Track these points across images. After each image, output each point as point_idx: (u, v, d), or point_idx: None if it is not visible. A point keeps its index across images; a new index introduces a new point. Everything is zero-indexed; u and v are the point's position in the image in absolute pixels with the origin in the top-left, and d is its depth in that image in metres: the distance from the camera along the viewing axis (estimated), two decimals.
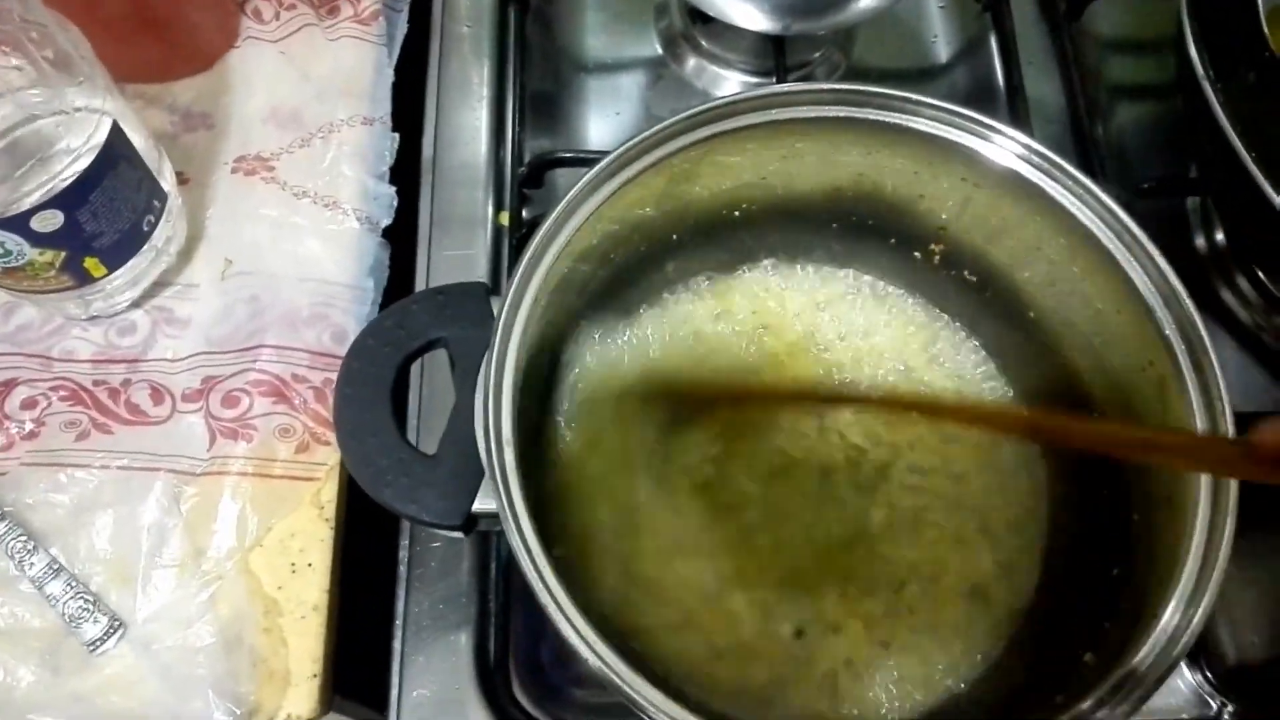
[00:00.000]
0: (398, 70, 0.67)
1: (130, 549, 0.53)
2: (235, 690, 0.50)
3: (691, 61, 0.71)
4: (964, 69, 0.72)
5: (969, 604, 0.51)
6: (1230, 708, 0.52)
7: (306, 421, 0.56)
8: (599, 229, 0.48)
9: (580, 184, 0.46)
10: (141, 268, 0.56)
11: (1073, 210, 0.46)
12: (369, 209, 0.62)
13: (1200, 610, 0.39)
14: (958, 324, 0.57)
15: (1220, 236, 0.64)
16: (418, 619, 0.54)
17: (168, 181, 0.57)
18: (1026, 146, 0.46)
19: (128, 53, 0.59)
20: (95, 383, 0.56)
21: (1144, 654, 0.40)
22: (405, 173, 0.64)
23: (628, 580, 0.51)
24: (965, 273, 0.55)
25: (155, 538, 0.53)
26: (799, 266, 0.58)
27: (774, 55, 0.66)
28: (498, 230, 0.63)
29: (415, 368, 0.56)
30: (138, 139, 0.53)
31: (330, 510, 0.55)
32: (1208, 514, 0.41)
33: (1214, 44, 0.53)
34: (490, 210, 0.63)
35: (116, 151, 0.51)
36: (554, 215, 0.45)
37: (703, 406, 0.54)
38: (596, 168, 0.46)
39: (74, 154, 0.49)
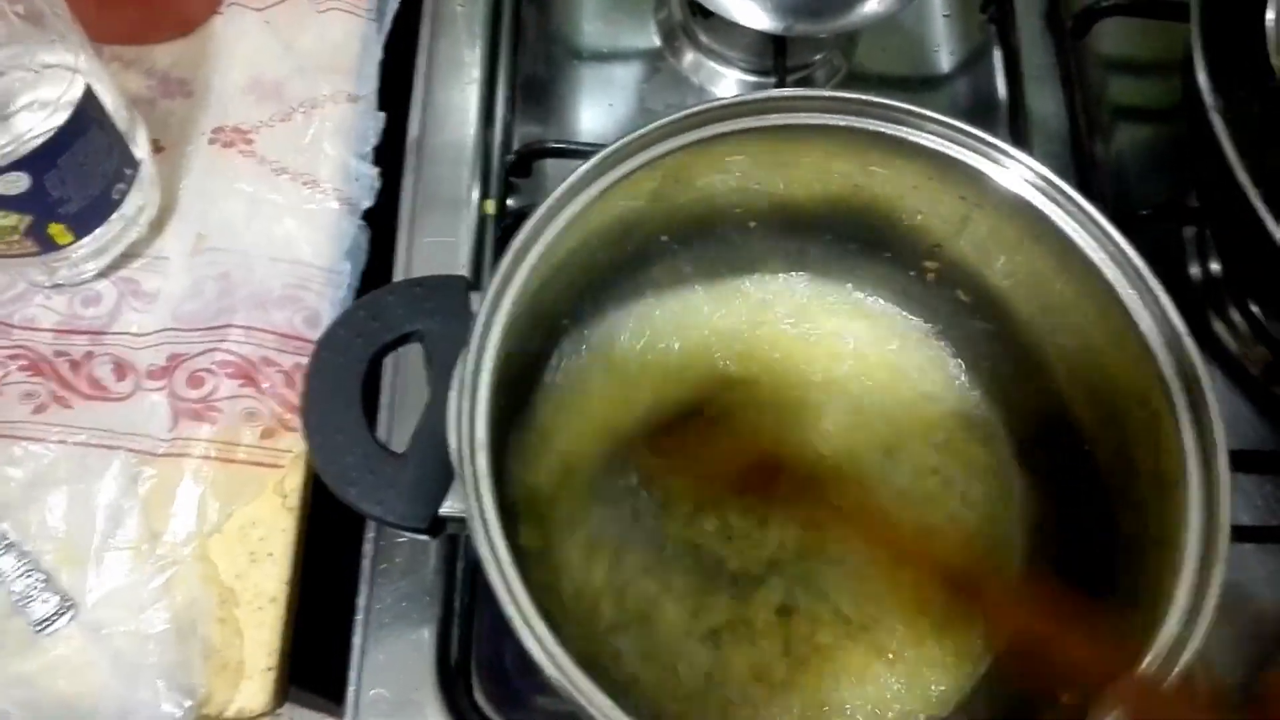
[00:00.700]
0: (385, 47, 0.65)
1: (84, 528, 0.51)
2: (186, 681, 0.49)
3: (689, 56, 0.69)
4: (965, 80, 0.71)
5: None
6: None
7: (274, 406, 0.54)
8: (587, 227, 0.47)
9: (571, 180, 0.44)
10: (110, 236, 0.54)
11: (1078, 241, 0.45)
12: (349, 190, 0.60)
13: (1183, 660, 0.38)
14: (946, 342, 0.56)
15: (1215, 266, 0.63)
16: (379, 615, 0.52)
17: (141, 148, 0.54)
18: (1034, 171, 0.45)
19: (106, 13, 0.57)
20: (56, 354, 0.55)
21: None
22: (388, 153, 0.62)
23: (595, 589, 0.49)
24: (959, 292, 0.54)
25: (110, 518, 0.51)
26: (788, 275, 0.56)
27: (774, 55, 0.65)
28: (482, 219, 0.61)
29: (388, 360, 0.55)
30: (111, 102, 0.51)
31: (294, 499, 0.54)
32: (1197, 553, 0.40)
33: (1220, 72, 0.52)
34: (475, 197, 0.61)
35: (88, 115, 0.49)
36: (541, 211, 0.44)
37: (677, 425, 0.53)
38: (589, 163, 0.45)
39: (43, 114, 0.47)
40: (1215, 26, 0.54)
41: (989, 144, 0.46)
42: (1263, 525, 0.57)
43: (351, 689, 0.51)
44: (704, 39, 0.69)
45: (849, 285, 0.56)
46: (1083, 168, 0.65)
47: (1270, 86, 0.53)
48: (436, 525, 0.42)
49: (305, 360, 0.55)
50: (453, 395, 0.42)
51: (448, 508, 0.42)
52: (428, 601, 0.52)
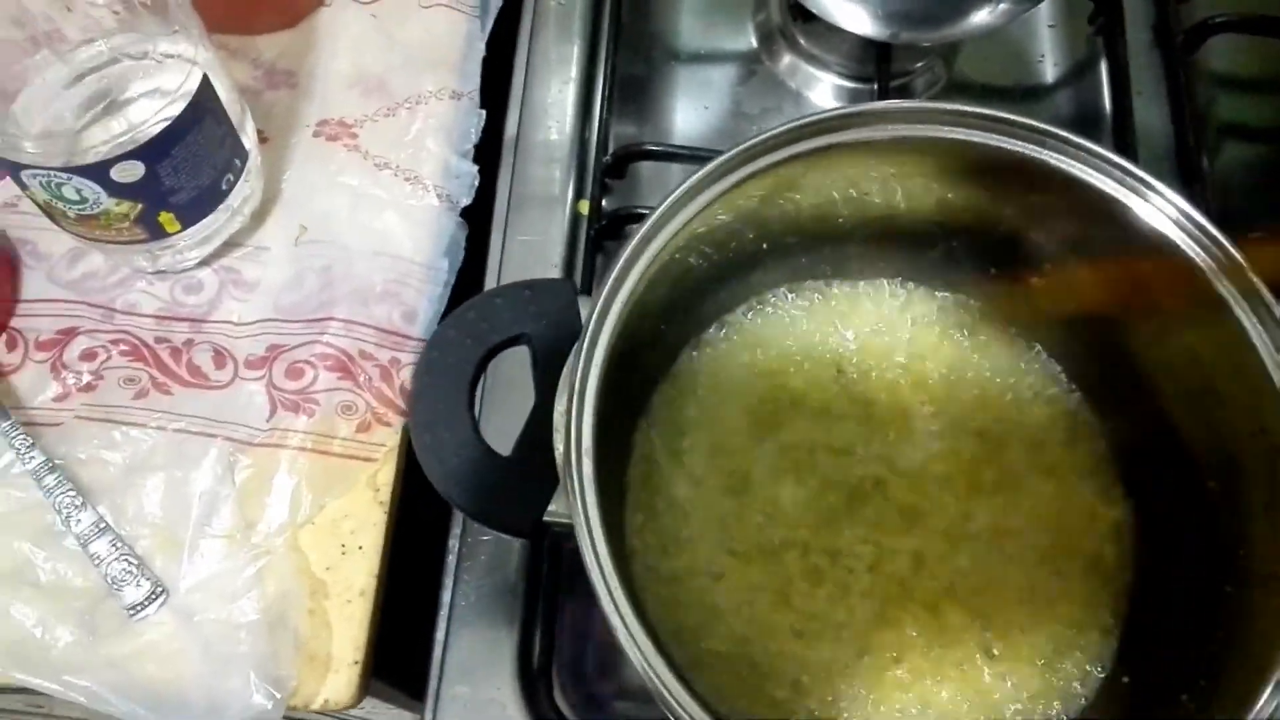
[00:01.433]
0: (486, 44, 0.64)
1: (179, 515, 0.51)
2: (276, 672, 0.49)
3: (786, 59, 0.69)
4: (1069, 92, 0.69)
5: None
6: None
7: (370, 400, 0.54)
8: (693, 234, 0.46)
9: (684, 186, 0.44)
10: (215, 226, 0.55)
11: (1210, 278, 0.43)
12: (450, 187, 0.60)
13: None
14: (1053, 359, 0.54)
15: None
16: (462, 612, 0.52)
17: (249, 139, 0.55)
18: (1180, 210, 0.43)
19: (214, 1, 0.57)
20: (157, 339, 0.55)
21: None
22: (485, 151, 0.62)
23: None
24: (1067, 309, 0.52)
25: (206, 505, 0.51)
26: (892, 284, 0.55)
27: (876, 62, 0.64)
28: (575, 218, 0.61)
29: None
30: (224, 93, 0.51)
31: (385, 494, 0.54)
32: None
33: None
34: (570, 196, 0.61)
35: (204, 105, 0.49)
36: (654, 218, 0.43)
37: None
38: (701, 171, 0.44)
39: (160, 104, 0.47)
40: None
41: (1138, 178, 0.44)
42: None
43: (432, 685, 0.51)
44: (803, 42, 0.68)
45: (950, 296, 0.55)
46: (1189, 184, 0.63)
47: None
48: (539, 530, 0.42)
49: (401, 355, 0.55)
50: (559, 401, 0.41)
51: (551, 513, 0.42)
52: (511, 601, 0.52)
